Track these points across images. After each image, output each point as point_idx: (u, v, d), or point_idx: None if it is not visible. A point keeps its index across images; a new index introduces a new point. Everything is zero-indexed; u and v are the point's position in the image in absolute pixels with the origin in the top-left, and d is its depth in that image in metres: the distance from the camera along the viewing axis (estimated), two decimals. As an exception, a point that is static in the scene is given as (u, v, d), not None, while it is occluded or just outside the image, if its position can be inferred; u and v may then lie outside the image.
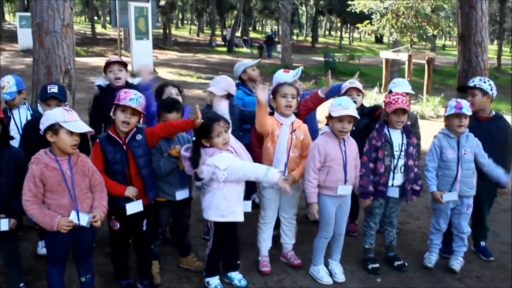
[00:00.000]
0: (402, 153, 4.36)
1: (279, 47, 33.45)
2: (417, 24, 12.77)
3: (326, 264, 4.48)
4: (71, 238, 3.44)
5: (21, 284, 3.87)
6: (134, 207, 3.83)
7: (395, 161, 4.35)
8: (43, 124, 3.35)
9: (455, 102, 4.41)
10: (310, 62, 31.24)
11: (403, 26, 12.91)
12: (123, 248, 4.08)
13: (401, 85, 5.22)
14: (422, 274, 4.56)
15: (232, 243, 4.19)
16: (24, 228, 4.41)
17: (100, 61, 24.52)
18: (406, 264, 4.65)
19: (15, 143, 4.05)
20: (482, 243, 4.97)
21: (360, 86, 5.06)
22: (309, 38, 59.10)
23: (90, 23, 46.92)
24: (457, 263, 4.61)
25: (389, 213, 4.57)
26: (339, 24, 59.73)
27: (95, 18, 51.90)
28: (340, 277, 4.38)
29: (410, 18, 12.75)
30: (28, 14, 30.52)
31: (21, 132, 4.55)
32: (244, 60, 5.85)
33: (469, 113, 4.30)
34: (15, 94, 4.70)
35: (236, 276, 4.25)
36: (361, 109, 5.02)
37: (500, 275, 4.62)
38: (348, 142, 4.23)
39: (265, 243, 4.55)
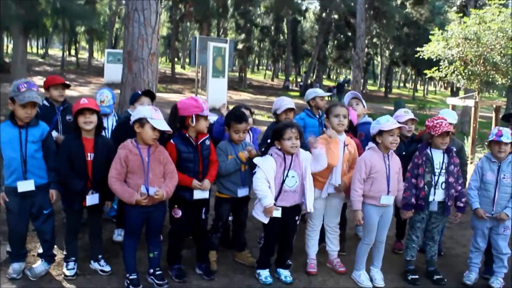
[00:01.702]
0: (443, 171, 4.76)
1: (347, 95, 33.81)
2: (485, 72, 12.92)
3: (368, 271, 4.88)
4: (144, 214, 4.17)
5: (100, 256, 4.60)
6: (200, 194, 4.46)
7: (436, 177, 4.76)
8: (133, 116, 4.13)
9: (497, 129, 4.80)
10: (380, 110, 31.43)
11: (470, 73, 13.08)
12: (180, 236, 4.64)
13: (446, 115, 5.56)
14: (459, 290, 4.86)
15: (281, 239, 4.70)
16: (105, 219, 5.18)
17: (176, 98, 26.00)
18: (446, 279, 4.94)
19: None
20: (524, 268, 5.17)
21: (413, 116, 5.55)
22: (383, 89, 59.15)
23: (170, 63, 49.51)
24: (496, 283, 4.84)
25: (431, 228, 4.93)
26: (413, 76, 59.40)
27: (175, 59, 54.63)
28: (380, 283, 4.76)
29: (478, 66, 12.93)
30: (116, 50, 33.02)
31: (109, 135, 5.35)
32: (318, 89, 6.35)
33: (509, 140, 4.66)
34: (112, 106, 5.59)
35: (284, 273, 4.73)
36: (412, 136, 5.51)
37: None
38: (391, 157, 4.71)
39: (313, 248, 5.02)
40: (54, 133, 4.75)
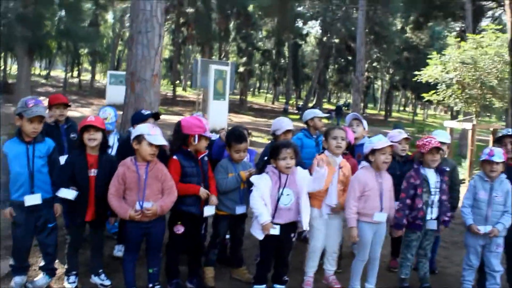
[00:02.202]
0: (437, 190, 4.91)
1: (348, 116, 34.27)
2: (482, 95, 13.17)
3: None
4: (142, 230, 4.31)
5: (100, 270, 4.72)
6: (209, 211, 4.66)
7: (432, 197, 4.91)
8: (133, 134, 4.30)
9: (489, 149, 4.96)
10: (380, 133, 31.64)
11: (468, 96, 13.33)
12: (180, 251, 4.77)
13: (440, 135, 5.68)
14: (453, 307, 4.96)
15: (278, 256, 4.80)
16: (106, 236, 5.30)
17: (177, 119, 26.22)
18: (439, 296, 5.06)
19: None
20: (517, 287, 5.27)
21: (407, 136, 5.72)
22: (383, 112, 59.47)
23: (172, 86, 49.91)
24: (489, 300, 4.96)
25: (424, 246, 5.06)
26: (413, 100, 59.74)
27: (177, 81, 55.08)
28: (374, 300, 4.86)
29: (475, 90, 13.17)
30: (118, 72, 33.38)
31: (111, 152, 5.51)
32: (316, 110, 6.52)
33: (500, 160, 4.81)
34: (115, 124, 5.76)
35: (280, 288, 4.84)
36: (406, 156, 5.66)
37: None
38: (384, 175, 4.85)
39: (312, 268, 5.11)
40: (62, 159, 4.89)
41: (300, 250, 5.54)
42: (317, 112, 6.32)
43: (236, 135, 4.87)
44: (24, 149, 4.31)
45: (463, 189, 5.46)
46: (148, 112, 5.36)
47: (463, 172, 12.89)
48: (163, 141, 4.29)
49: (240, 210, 4.90)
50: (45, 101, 5.09)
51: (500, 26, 12.97)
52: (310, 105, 48.09)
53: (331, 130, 5.12)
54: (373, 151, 4.78)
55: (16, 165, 4.28)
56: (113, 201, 4.21)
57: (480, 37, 13.45)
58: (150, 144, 4.21)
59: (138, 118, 5.25)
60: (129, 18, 7.75)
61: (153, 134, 4.23)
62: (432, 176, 4.93)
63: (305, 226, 4.67)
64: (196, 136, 4.54)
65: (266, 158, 4.75)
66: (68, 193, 4.37)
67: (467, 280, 5.10)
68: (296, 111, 47.52)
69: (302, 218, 4.62)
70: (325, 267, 5.22)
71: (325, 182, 4.76)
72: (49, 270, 4.62)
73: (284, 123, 5.62)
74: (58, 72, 67.11)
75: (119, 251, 5.41)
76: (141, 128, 4.29)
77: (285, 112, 46.35)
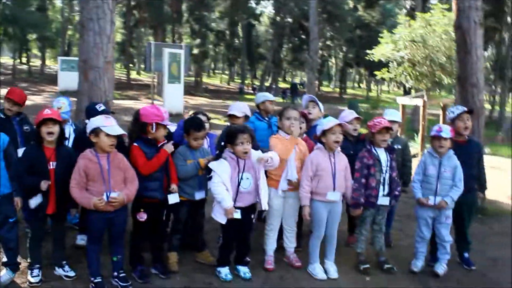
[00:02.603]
0: (388, 168, 5.12)
1: (304, 98, 34.85)
2: (432, 72, 13.58)
3: (323, 264, 5.18)
4: (106, 220, 4.35)
5: (64, 262, 4.74)
6: (174, 198, 4.76)
7: (383, 175, 5.11)
8: (88, 128, 4.32)
9: (437, 126, 5.20)
10: (335, 110, 31.95)
11: (418, 74, 13.71)
12: (144, 238, 4.85)
13: (392, 114, 5.91)
14: (408, 277, 5.21)
15: (239, 238, 4.95)
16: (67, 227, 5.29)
17: (133, 104, 25.91)
18: (395, 268, 5.30)
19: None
20: (466, 254, 5.57)
21: (358, 115, 5.90)
22: (338, 90, 60.26)
23: (125, 69, 49.12)
24: (440, 268, 5.24)
25: (378, 221, 5.28)
26: (367, 77, 60.75)
27: (130, 65, 54.19)
28: (334, 275, 5.07)
29: (425, 67, 13.56)
30: (69, 58, 32.61)
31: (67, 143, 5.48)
32: (267, 93, 6.66)
33: (447, 136, 5.06)
34: (69, 113, 5.72)
35: (243, 270, 4.98)
36: (358, 135, 5.86)
37: (478, 281, 5.22)
38: (337, 156, 5.04)
39: (271, 246, 5.28)
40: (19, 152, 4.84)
41: (261, 231, 5.68)
42: (268, 96, 6.44)
43: (195, 123, 4.96)
44: None
45: (415, 163, 5.70)
46: (103, 108, 5.32)
47: (415, 146, 13.34)
48: (120, 131, 4.33)
49: (199, 195, 5.00)
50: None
51: (447, 6, 13.29)
52: (267, 84, 48.38)
53: (285, 110, 5.25)
54: (324, 132, 4.94)
55: (-31, 162, 4.22)
56: (75, 193, 4.23)
57: (429, 16, 13.81)
58: (108, 135, 4.24)
59: (93, 114, 5.25)
60: (79, 4, 7.61)
61: (108, 125, 4.26)
62: (383, 155, 5.13)
63: (264, 206, 4.84)
64: (154, 124, 4.59)
65: (222, 143, 4.85)
66: (37, 200, 4.41)
67: (420, 251, 5.38)
68: (252, 91, 47.71)
69: (262, 199, 4.78)
70: (285, 245, 5.38)
71: (281, 160, 4.94)
72: (12, 265, 4.57)
73: (234, 107, 5.77)
74: (6, 59, 64.86)
75: (81, 239, 5.40)
76: (96, 121, 4.31)
77: (240, 93, 46.45)
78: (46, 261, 4.85)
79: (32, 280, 4.55)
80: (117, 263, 4.56)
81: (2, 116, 5.45)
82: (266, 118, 6.26)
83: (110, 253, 4.59)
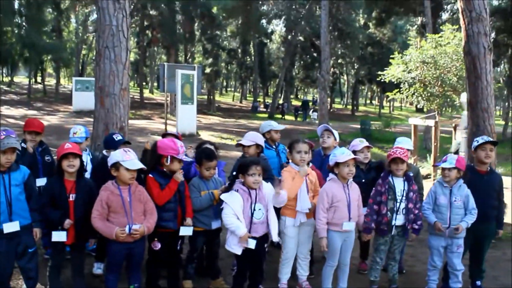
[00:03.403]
0: (404, 198, 5.20)
1: (315, 114, 35.17)
2: (443, 93, 13.64)
3: (335, 293, 5.26)
4: (126, 250, 4.48)
5: (83, 290, 4.87)
6: (186, 231, 4.91)
7: (398, 204, 5.19)
8: (109, 162, 4.48)
9: (445, 156, 5.28)
10: (348, 129, 32.15)
11: (429, 94, 13.78)
12: (159, 266, 4.98)
13: (402, 143, 5.98)
14: (420, 305, 5.27)
15: (253, 267, 5.04)
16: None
17: (146, 124, 26.19)
18: (407, 296, 5.36)
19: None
20: (478, 282, 5.58)
21: (368, 144, 6.00)
22: (350, 107, 60.29)
23: (138, 88, 49.59)
24: (452, 296, 5.29)
25: (392, 250, 5.35)
26: (379, 94, 60.74)
27: (143, 83, 54.71)
28: (346, 303, 5.14)
29: (436, 87, 13.63)
30: (84, 78, 33.09)
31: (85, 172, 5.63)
32: (273, 122, 6.71)
33: (451, 166, 5.13)
34: (84, 139, 5.90)
35: (257, 298, 5.07)
36: (369, 164, 5.96)
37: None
38: (351, 186, 5.12)
39: (285, 275, 5.37)
40: (41, 182, 4.99)
41: (273, 258, 5.77)
42: (273, 125, 6.55)
43: (206, 153, 5.12)
44: (0, 178, 4.42)
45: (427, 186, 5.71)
46: (120, 138, 5.50)
47: (428, 167, 13.37)
48: (139, 165, 4.48)
49: (215, 224, 5.14)
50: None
51: (457, 26, 13.39)
52: (280, 101, 48.57)
53: (295, 144, 5.36)
54: (337, 164, 5.04)
55: (-7, 195, 4.40)
56: (98, 223, 4.38)
57: (439, 36, 13.93)
58: (128, 169, 4.39)
59: (111, 145, 5.44)
60: (96, 33, 7.79)
61: (128, 159, 4.41)
62: (399, 184, 5.20)
63: (275, 238, 4.95)
64: (169, 157, 4.74)
65: (234, 173, 4.97)
66: (60, 235, 4.55)
67: (432, 280, 5.42)
68: (264, 110, 47.94)
69: (271, 231, 4.89)
70: (298, 273, 5.46)
71: (294, 191, 5.06)
72: (31, 294, 4.74)
73: (247, 137, 5.86)
74: (21, 78, 65.86)
75: (98, 268, 5.56)
76: (115, 156, 4.46)
77: (254, 111, 46.63)
78: (66, 288, 4.98)
79: (52, 308, 4.68)
80: (135, 291, 4.68)
81: (25, 146, 5.63)
82: (274, 146, 6.37)
83: (128, 282, 4.71)
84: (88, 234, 4.69)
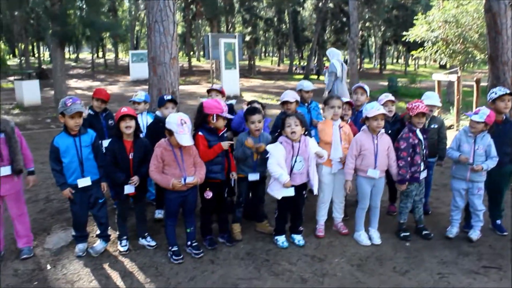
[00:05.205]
0: (424, 147, 5.09)
1: (354, 86, 34.35)
2: (465, 50, 13.09)
3: (367, 231, 5.24)
4: (181, 198, 4.58)
5: (146, 234, 5.05)
6: (253, 176, 5.09)
7: (423, 152, 5.09)
8: (166, 124, 4.43)
9: (477, 109, 5.07)
10: (376, 86, 31.28)
11: (452, 52, 13.24)
12: (211, 212, 5.07)
13: (431, 98, 5.74)
14: (443, 242, 5.18)
15: (293, 211, 5.09)
16: (146, 203, 5.58)
17: (195, 89, 26.30)
18: (432, 234, 5.30)
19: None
20: (498, 221, 5.47)
21: (393, 98, 5.84)
22: (378, 66, 58.75)
23: (187, 57, 49.65)
24: (474, 234, 5.19)
25: (419, 192, 5.27)
26: (405, 53, 58.81)
27: (191, 53, 54.72)
28: (377, 241, 5.13)
29: (458, 45, 13.08)
30: (139, 51, 33.35)
31: (144, 130, 5.72)
32: (305, 82, 6.52)
33: (480, 120, 4.92)
34: (142, 101, 6.00)
35: (297, 238, 5.12)
36: (394, 116, 5.81)
37: (510, 246, 5.08)
38: (381, 137, 5.01)
39: (322, 216, 5.40)
40: (106, 143, 5.11)
41: (312, 202, 5.79)
42: (304, 85, 6.39)
43: (249, 109, 5.11)
44: (72, 141, 4.55)
45: (451, 135, 5.55)
46: (169, 97, 5.57)
47: (451, 118, 12.98)
48: (188, 142, 4.39)
49: (252, 177, 5.12)
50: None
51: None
52: (314, 63, 47.91)
53: (329, 99, 5.29)
54: (367, 118, 4.95)
55: (68, 155, 4.53)
56: (156, 176, 4.46)
57: (461, -4, 13.28)
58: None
59: (163, 102, 5.56)
60: (145, 9, 7.80)
61: (181, 133, 4.34)
62: (420, 135, 5.09)
63: (316, 191, 4.97)
64: (214, 115, 4.75)
65: (279, 130, 4.95)
66: (130, 189, 4.74)
67: (455, 219, 5.34)
68: (301, 71, 47.32)
69: (313, 185, 4.88)
70: (334, 216, 5.49)
71: (327, 142, 5.10)
72: (104, 237, 4.94)
73: (284, 95, 5.84)
74: (85, 54, 66.94)
75: (159, 213, 5.75)
76: (172, 124, 4.38)
77: (290, 74, 46.10)
78: (131, 233, 5.17)
79: (121, 249, 4.89)
80: (191, 234, 4.81)
81: (91, 112, 5.79)
82: (306, 104, 6.29)
83: (184, 225, 4.84)
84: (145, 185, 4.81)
